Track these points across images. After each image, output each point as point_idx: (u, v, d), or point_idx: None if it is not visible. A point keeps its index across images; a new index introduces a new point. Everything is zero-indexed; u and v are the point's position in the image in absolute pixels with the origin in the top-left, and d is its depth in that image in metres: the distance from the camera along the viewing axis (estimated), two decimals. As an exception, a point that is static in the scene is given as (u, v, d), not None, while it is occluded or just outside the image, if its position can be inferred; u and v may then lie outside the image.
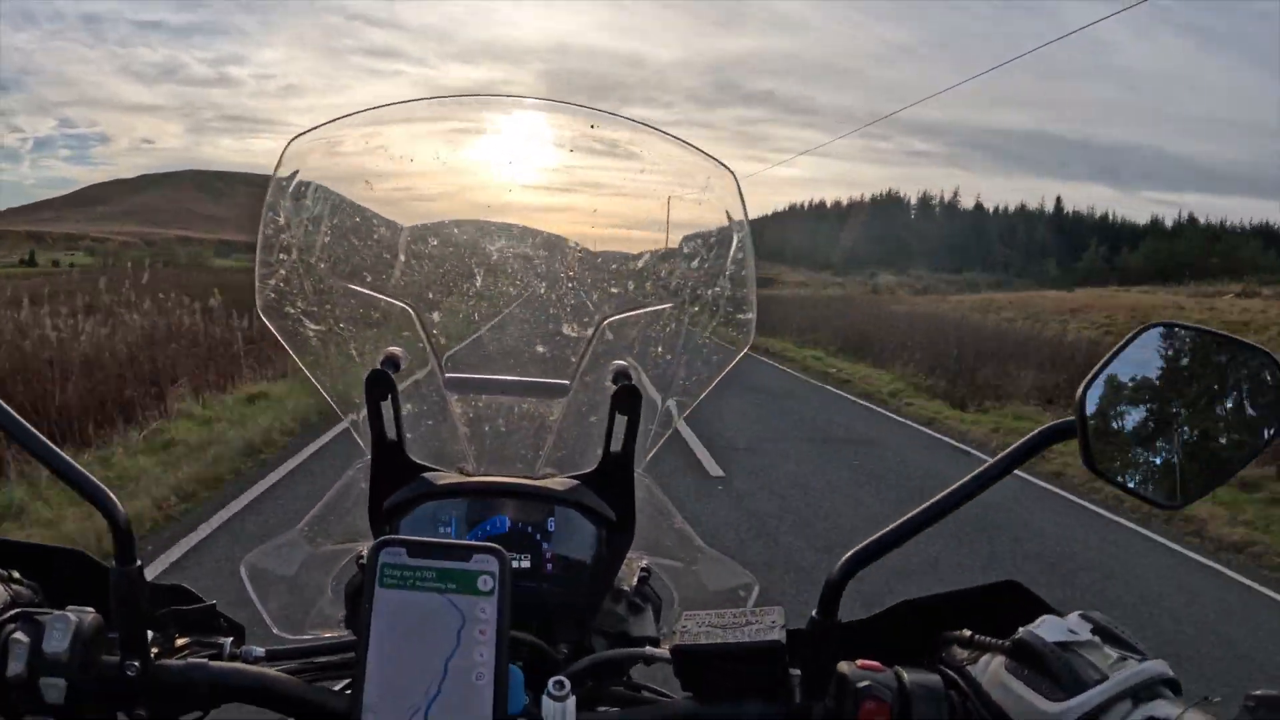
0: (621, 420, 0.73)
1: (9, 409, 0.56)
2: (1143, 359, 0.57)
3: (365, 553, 0.81)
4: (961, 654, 0.59)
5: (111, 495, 0.57)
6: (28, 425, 0.56)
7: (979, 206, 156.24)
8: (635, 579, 0.82)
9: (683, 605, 0.86)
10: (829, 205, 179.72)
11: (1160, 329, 0.57)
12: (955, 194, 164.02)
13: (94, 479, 0.57)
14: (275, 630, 0.80)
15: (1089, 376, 0.56)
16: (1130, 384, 0.56)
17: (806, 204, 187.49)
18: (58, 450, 0.57)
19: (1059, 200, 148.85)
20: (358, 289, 0.84)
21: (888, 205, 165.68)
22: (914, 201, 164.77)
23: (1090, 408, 0.56)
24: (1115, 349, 0.57)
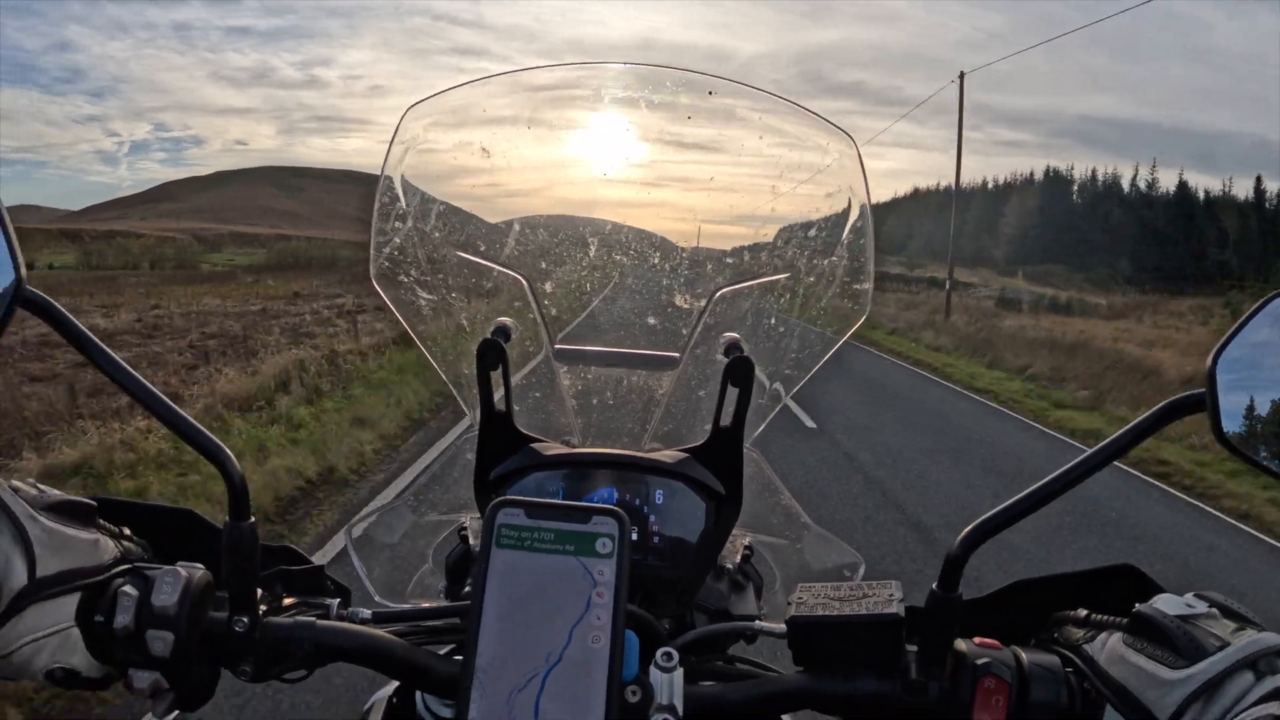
0: (733, 393, 0.72)
1: (128, 368, 0.56)
2: (1273, 328, 0.54)
3: (468, 523, 0.83)
4: (1077, 633, 0.57)
5: (227, 451, 0.57)
6: (147, 383, 0.56)
7: (1105, 189, 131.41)
8: (738, 556, 0.82)
9: (784, 586, 0.84)
10: (932, 189, 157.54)
11: None
12: (1065, 174, 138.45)
13: (211, 435, 0.57)
14: (376, 597, 0.78)
15: (1218, 346, 0.54)
16: (1262, 354, 0.54)
17: (910, 192, 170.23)
18: (175, 407, 0.57)
19: (1182, 180, 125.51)
20: (471, 258, 0.83)
21: (1007, 191, 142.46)
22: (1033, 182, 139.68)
23: (1221, 379, 0.53)
24: (1244, 317, 0.54)
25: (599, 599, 0.52)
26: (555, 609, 0.52)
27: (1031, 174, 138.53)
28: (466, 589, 0.79)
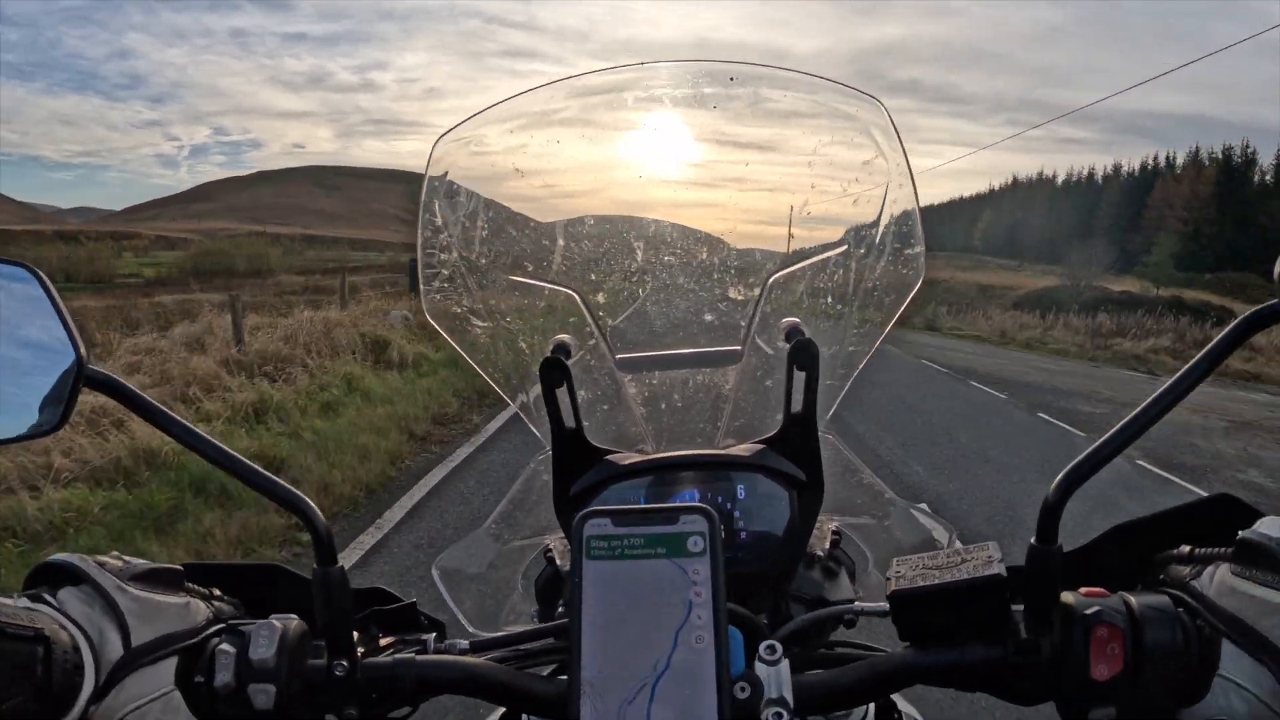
0: (800, 378, 0.70)
1: (200, 431, 0.57)
2: None
3: (553, 544, 0.82)
4: (1181, 571, 0.55)
5: (308, 500, 0.57)
6: (220, 444, 0.57)
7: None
8: (827, 542, 0.81)
9: (877, 565, 0.84)
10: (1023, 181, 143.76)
11: None
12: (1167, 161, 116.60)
13: (290, 487, 0.58)
14: (470, 629, 0.79)
15: None
16: None
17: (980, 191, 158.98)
18: (252, 464, 0.58)
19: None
20: (521, 279, 0.84)
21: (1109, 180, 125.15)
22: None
23: None
24: None
25: (697, 598, 0.51)
26: (656, 615, 0.51)
27: (1169, 158, 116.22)
28: (559, 609, 0.79)
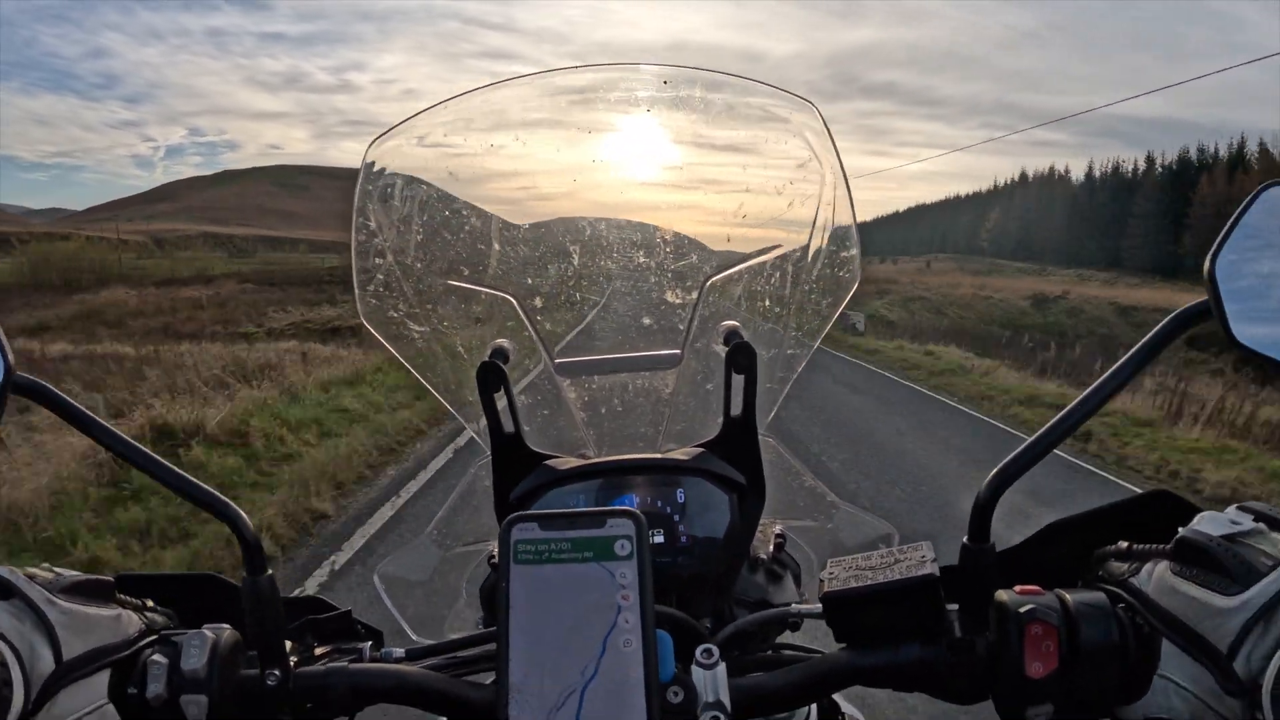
0: (739, 381, 0.71)
1: (128, 438, 0.57)
2: (1266, 222, 0.52)
3: (495, 550, 0.80)
4: (1120, 567, 0.55)
5: (236, 508, 0.57)
6: (148, 451, 0.57)
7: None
8: (771, 545, 0.81)
9: (821, 567, 0.80)
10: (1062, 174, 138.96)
11: (1277, 188, 0.52)
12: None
13: (219, 494, 0.58)
14: (414, 636, 0.77)
15: (1213, 249, 0.52)
16: (1260, 250, 0.51)
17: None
18: (179, 470, 0.57)
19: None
20: (457, 284, 0.82)
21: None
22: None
23: (1222, 283, 0.51)
24: (1235, 216, 0.52)
25: (625, 602, 0.51)
26: (584, 619, 0.51)
27: (1215, 150, 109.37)
28: None
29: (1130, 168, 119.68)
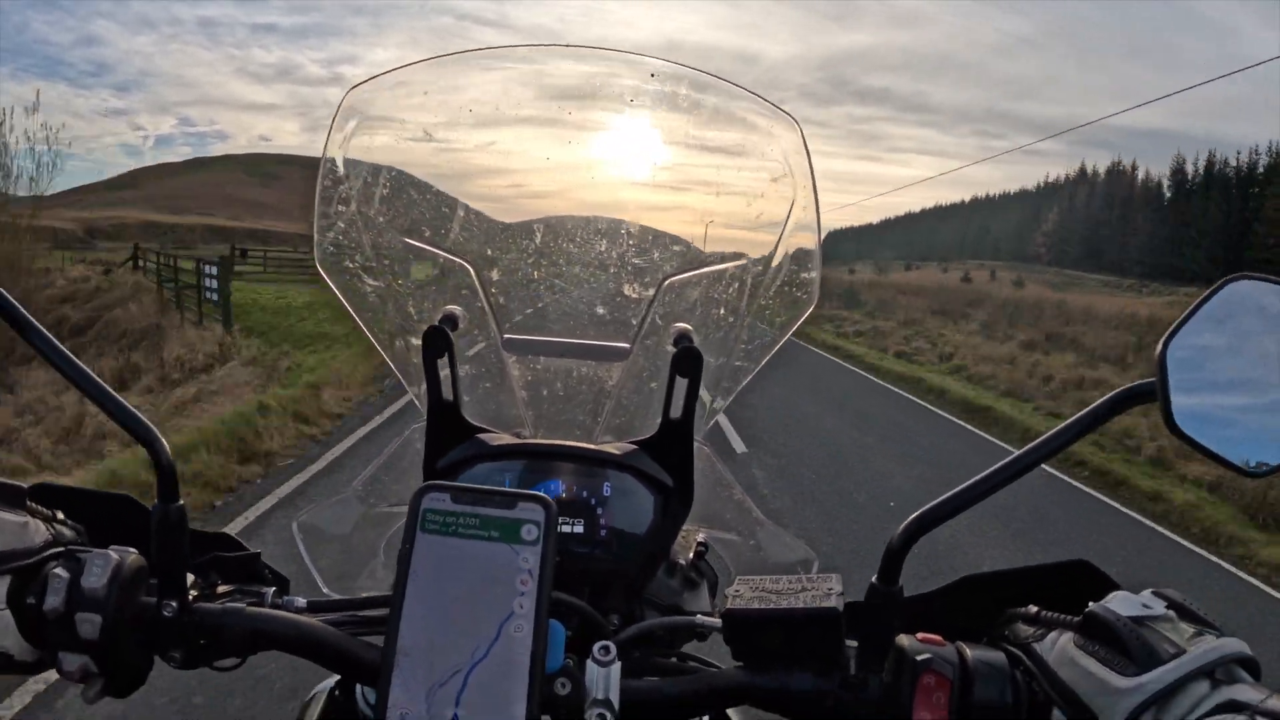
0: (682, 385, 0.71)
1: (62, 346, 0.56)
2: (1227, 315, 0.52)
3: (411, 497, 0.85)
4: (1026, 631, 0.55)
5: (156, 431, 0.57)
6: (78, 362, 0.57)
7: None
8: (692, 552, 0.80)
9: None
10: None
11: (1245, 282, 0.53)
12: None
13: (140, 415, 0.57)
14: (324, 590, 0.77)
15: (1169, 333, 0.52)
16: (1214, 342, 0.52)
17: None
18: (105, 386, 0.57)
19: None
20: (416, 244, 0.81)
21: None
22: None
23: (1171, 367, 0.52)
24: (1196, 303, 0.53)
25: (523, 586, 0.51)
26: (482, 598, 0.51)
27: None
28: None
29: (1192, 169, 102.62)
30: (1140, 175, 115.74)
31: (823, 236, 0.81)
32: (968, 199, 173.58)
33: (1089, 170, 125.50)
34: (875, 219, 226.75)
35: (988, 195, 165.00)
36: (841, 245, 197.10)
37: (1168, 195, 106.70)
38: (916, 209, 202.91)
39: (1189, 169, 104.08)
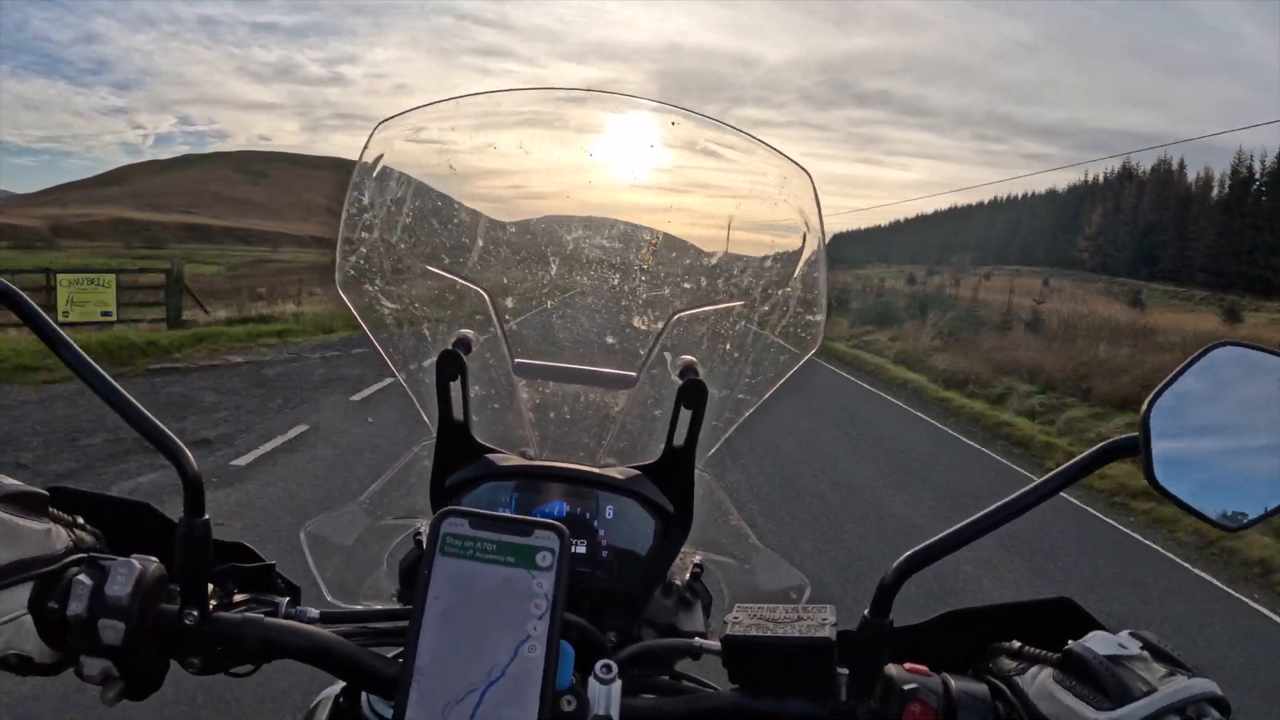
0: (686, 415, 0.73)
1: (90, 360, 0.57)
2: (1209, 378, 0.56)
3: (424, 528, 0.82)
4: (1009, 665, 0.58)
5: (183, 446, 0.58)
6: (108, 376, 0.58)
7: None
8: (688, 574, 0.83)
9: (733, 604, 0.83)
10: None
11: (1230, 348, 0.56)
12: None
13: (167, 430, 0.58)
14: (329, 598, 0.80)
15: (1155, 392, 0.55)
16: (1197, 403, 0.55)
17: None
18: (134, 401, 0.58)
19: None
20: (435, 270, 0.84)
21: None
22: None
23: (1155, 425, 0.55)
24: (1182, 366, 0.56)
25: (537, 610, 0.53)
26: (496, 621, 0.53)
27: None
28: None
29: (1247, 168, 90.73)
30: (1191, 176, 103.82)
31: (829, 239, 0.85)
32: (985, 201, 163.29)
33: (1134, 168, 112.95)
34: (884, 221, 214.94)
35: (1009, 197, 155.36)
36: (847, 248, 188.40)
37: (1213, 196, 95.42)
38: (929, 211, 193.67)
39: (1255, 167, 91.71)
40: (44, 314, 0.56)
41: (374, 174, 0.81)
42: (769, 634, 0.59)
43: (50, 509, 0.58)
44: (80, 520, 0.61)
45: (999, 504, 0.57)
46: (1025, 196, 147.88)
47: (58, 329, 0.57)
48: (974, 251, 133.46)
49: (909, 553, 0.58)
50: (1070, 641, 0.54)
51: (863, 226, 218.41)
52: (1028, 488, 0.57)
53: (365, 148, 0.80)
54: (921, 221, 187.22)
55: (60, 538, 0.58)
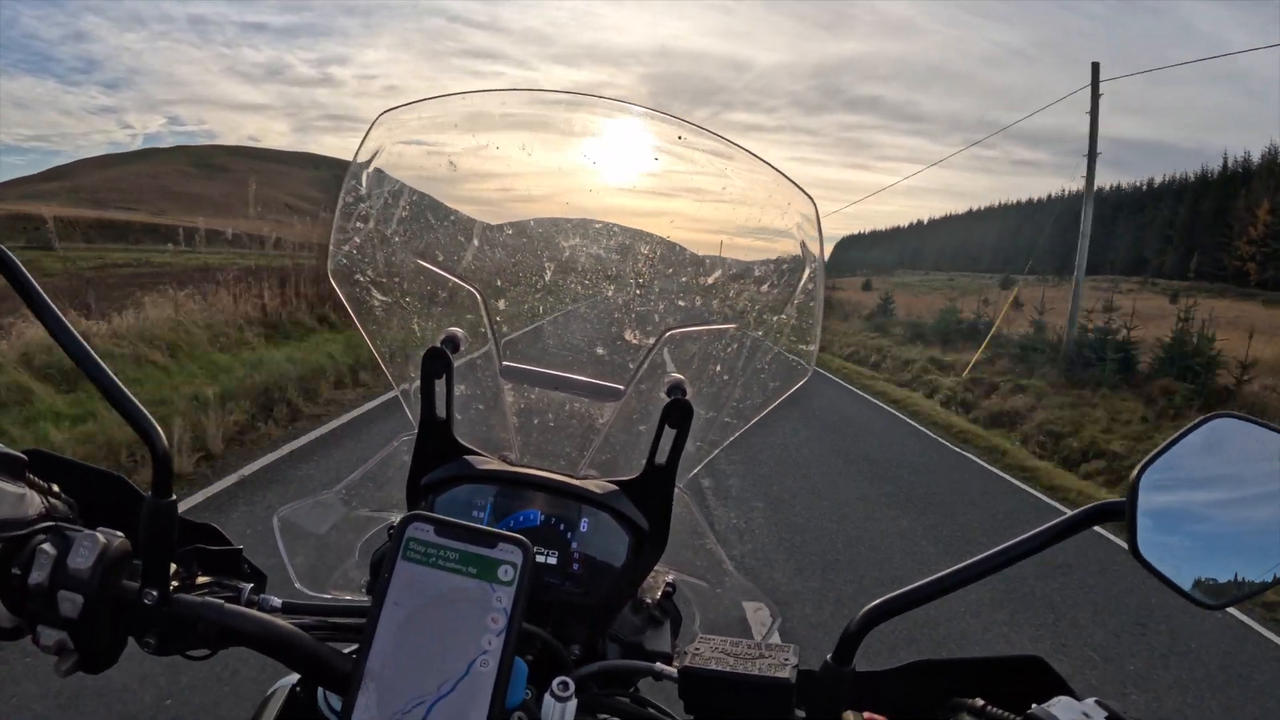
0: (670, 434, 0.73)
1: (73, 330, 0.57)
2: (1205, 449, 0.55)
3: (397, 523, 0.81)
4: None
5: (155, 425, 0.58)
6: (87, 346, 0.57)
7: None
8: (659, 593, 0.82)
9: (703, 627, 0.86)
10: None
11: (1227, 420, 0.55)
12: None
13: (141, 407, 0.58)
14: (297, 585, 0.80)
15: (1146, 460, 0.54)
16: (1188, 474, 0.54)
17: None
18: (108, 371, 0.58)
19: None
20: (428, 266, 0.83)
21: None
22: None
23: (1144, 493, 0.54)
24: (1177, 435, 0.55)
25: (493, 625, 0.52)
26: (452, 632, 0.52)
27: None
28: None
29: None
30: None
31: (831, 246, 0.52)
32: (988, 206, 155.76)
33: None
34: (883, 226, 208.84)
35: (1016, 201, 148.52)
36: (843, 254, 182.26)
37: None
38: (924, 218, 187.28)
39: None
40: (27, 274, 0.56)
41: (373, 163, 0.81)
42: (728, 669, 0.59)
43: (27, 474, 0.58)
44: (55, 488, 0.61)
45: (974, 560, 0.56)
46: (1036, 200, 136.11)
47: (46, 299, 0.56)
48: (984, 257, 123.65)
49: (874, 603, 0.57)
50: (1034, 705, 0.53)
51: (882, 228, 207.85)
52: (1004, 545, 0.56)
53: (365, 136, 0.79)
54: (951, 222, 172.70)
55: (33, 503, 0.58)
